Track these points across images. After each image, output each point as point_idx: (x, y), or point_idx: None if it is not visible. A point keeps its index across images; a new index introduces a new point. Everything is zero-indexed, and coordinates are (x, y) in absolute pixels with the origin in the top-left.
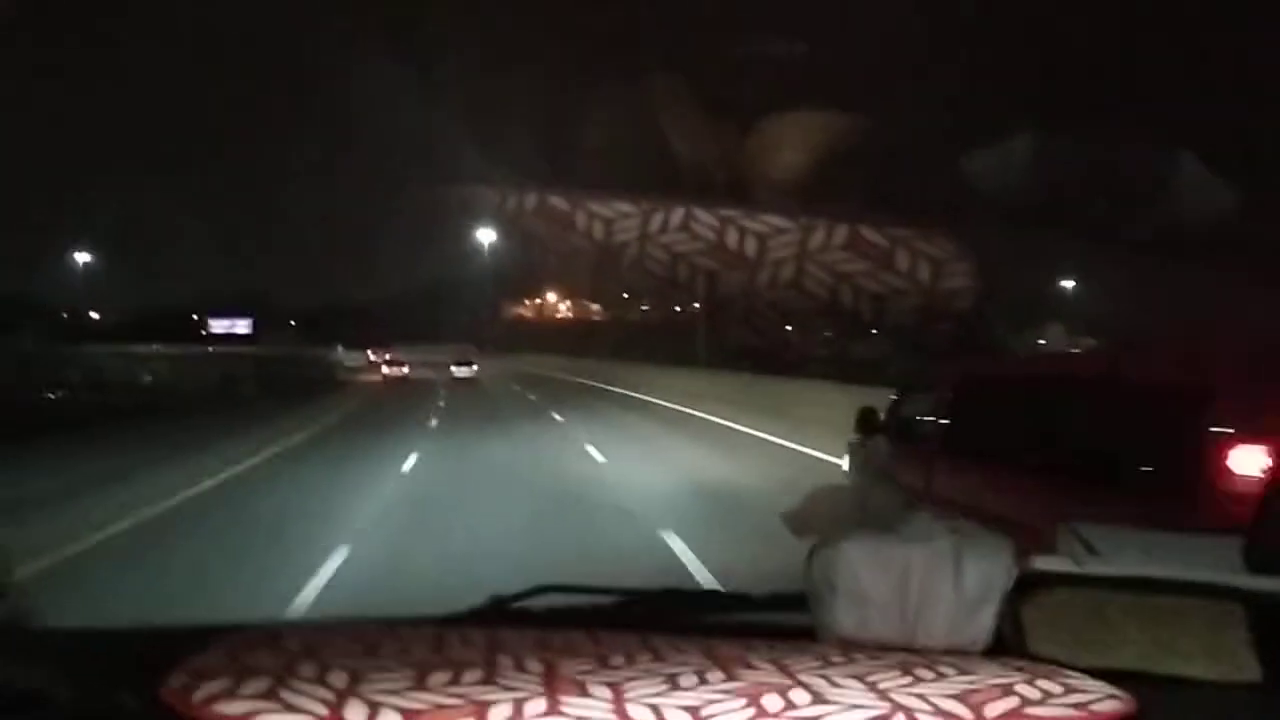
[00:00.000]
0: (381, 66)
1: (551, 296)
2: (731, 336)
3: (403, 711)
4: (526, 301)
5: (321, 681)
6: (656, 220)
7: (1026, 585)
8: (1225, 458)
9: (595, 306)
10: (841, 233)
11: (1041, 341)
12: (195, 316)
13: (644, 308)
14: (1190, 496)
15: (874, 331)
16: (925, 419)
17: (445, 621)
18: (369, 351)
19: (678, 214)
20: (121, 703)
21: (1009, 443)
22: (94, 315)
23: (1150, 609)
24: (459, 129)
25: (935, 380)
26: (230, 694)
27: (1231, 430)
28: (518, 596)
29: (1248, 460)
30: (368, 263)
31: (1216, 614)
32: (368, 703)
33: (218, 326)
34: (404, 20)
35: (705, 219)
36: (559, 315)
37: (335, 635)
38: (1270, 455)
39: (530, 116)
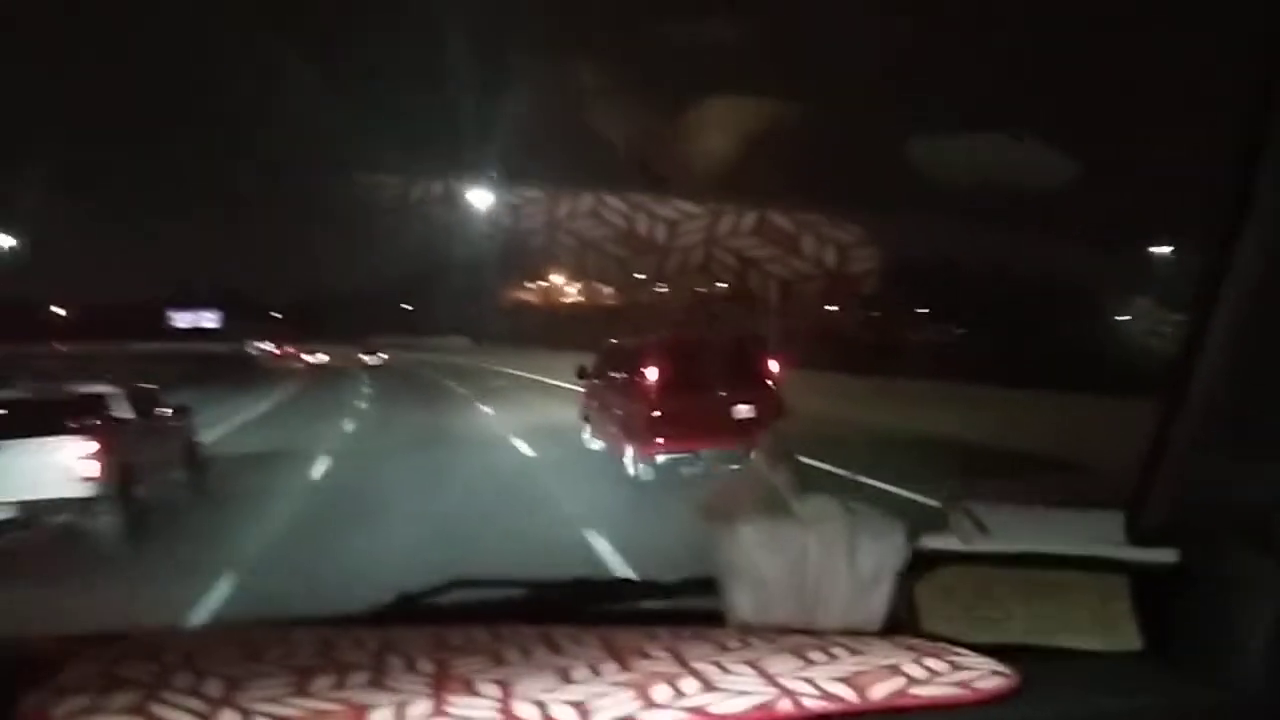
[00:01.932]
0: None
1: (558, 279)
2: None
3: (277, 719)
4: (530, 285)
5: (195, 692)
6: (564, 207)
7: (919, 564)
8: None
9: (608, 290)
10: (750, 218)
11: None
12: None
13: (660, 288)
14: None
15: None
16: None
17: (344, 621)
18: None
19: (585, 200)
20: None
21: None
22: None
23: (1038, 584)
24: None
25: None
26: (93, 711)
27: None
28: (424, 594)
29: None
30: (352, 251)
31: (1101, 586)
32: (241, 711)
33: (181, 321)
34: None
35: (614, 204)
36: (567, 300)
37: (219, 642)
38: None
39: (451, 97)
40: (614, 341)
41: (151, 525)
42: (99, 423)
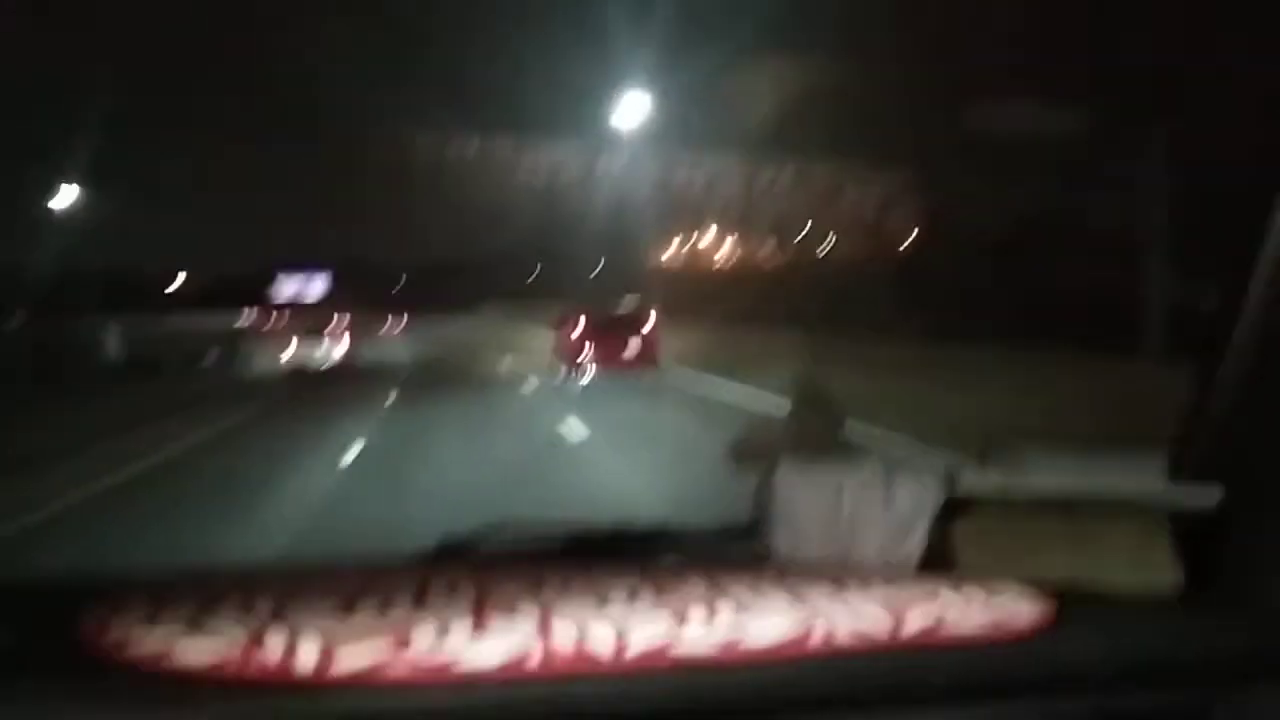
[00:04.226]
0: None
1: (711, 234)
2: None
3: (325, 636)
4: (675, 244)
5: (246, 609)
6: (602, 160)
7: (956, 506)
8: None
9: (766, 245)
10: (790, 171)
11: None
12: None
13: (825, 248)
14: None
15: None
16: None
17: (388, 560)
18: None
19: (622, 153)
20: (29, 641)
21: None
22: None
23: (1076, 526)
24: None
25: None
26: (149, 625)
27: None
28: (468, 537)
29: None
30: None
31: (1141, 527)
32: (289, 628)
33: (286, 289)
34: None
35: (651, 159)
36: (719, 261)
37: (265, 574)
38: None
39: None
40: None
41: None
42: None
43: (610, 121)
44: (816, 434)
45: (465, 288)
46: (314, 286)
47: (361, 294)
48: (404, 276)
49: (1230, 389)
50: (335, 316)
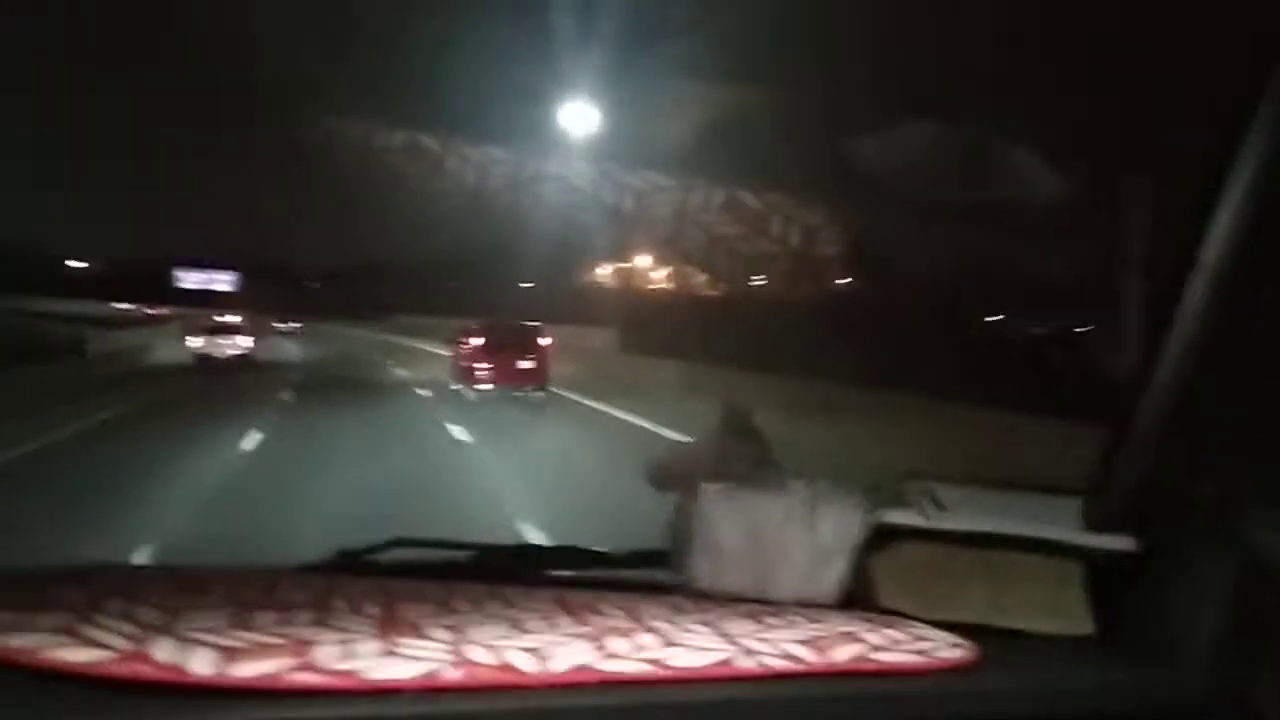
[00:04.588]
0: None
1: (644, 261)
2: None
3: (217, 649)
4: (608, 267)
5: (128, 618)
6: (529, 169)
7: (877, 539)
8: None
9: (702, 277)
10: (719, 196)
11: None
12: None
13: (757, 280)
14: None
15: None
16: None
17: (283, 570)
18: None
19: (552, 165)
20: None
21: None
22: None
23: (994, 564)
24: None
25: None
26: (20, 628)
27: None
28: (366, 550)
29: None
30: (404, 214)
31: (1056, 570)
32: (179, 639)
33: (189, 281)
34: None
35: (582, 171)
36: (651, 286)
37: (154, 577)
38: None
39: (409, 52)
40: (468, 325)
41: None
42: None
43: (543, 132)
44: (740, 460)
45: (369, 294)
46: (218, 282)
47: (264, 294)
48: (309, 279)
49: (1144, 442)
50: (235, 314)
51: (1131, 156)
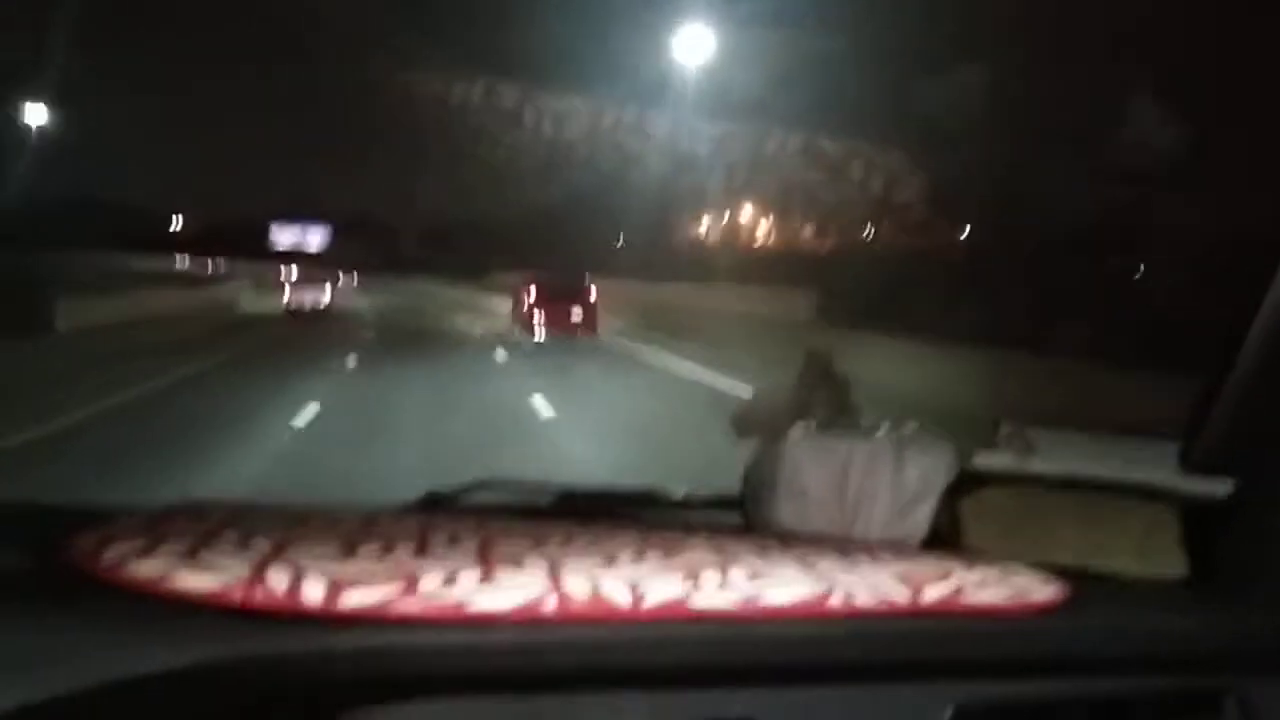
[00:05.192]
0: None
1: (747, 211)
2: None
3: (329, 576)
4: (703, 220)
5: (245, 545)
6: (608, 118)
7: (966, 482)
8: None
9: (807, 228)
10: (796, 141)
11: None
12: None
13: (869, 232)
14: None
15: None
16: None
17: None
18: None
19: (630, 113)
20: (20, 561)
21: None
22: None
23: (1086, 508)
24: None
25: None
26: (144, 554)
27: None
28: (452, 492)
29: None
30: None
31: (1149, 513)
32: (293, 566)
33: (282, 239)
34: None
35: (658, 120)
36: (755, 241)
37: (262, 510)
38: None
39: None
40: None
41: None
42: None
43: (625, 88)
44: (824, 405)
45: (464, 251)
46: (312, 237)
47: (354, 248)
48: (398, 233)
49: (1242, 383)
50: (324, 268)
51: (1241, 110)
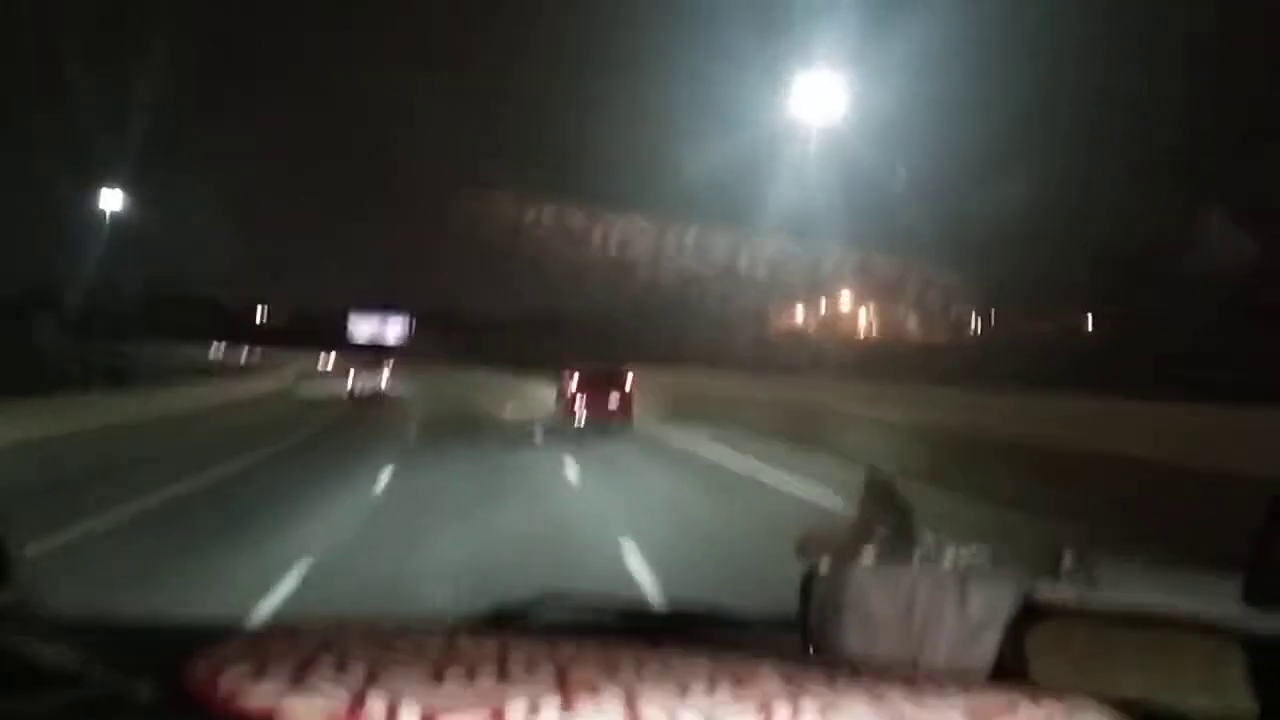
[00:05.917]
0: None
1: (845, 297)
2: None
3: (422, 704)
4: (799, 307)
5: (342, 671)
6: (671, 237)
7: (1030, 613)
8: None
9: (911, 319)
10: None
11: None
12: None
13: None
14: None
15: None
16: None
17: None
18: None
19: (691, 233)
20: (137, 690)
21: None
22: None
23: (1150, 641)
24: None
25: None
26: (254, 683)
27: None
28: (519, 606)
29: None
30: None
31: (1214, 649)
32: (389, 693)
33: (360, 331)
34: None
35: (718, 240)
36: (857, 331)
37: (350, 632)
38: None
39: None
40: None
41: None
42: None
43: (680, 196)
44: (884, 528)
45: (532, 344)
46: (390, 330)
47: (422, 340)
48: (476, 328)
49: None
50: (387, 356)
51: None
